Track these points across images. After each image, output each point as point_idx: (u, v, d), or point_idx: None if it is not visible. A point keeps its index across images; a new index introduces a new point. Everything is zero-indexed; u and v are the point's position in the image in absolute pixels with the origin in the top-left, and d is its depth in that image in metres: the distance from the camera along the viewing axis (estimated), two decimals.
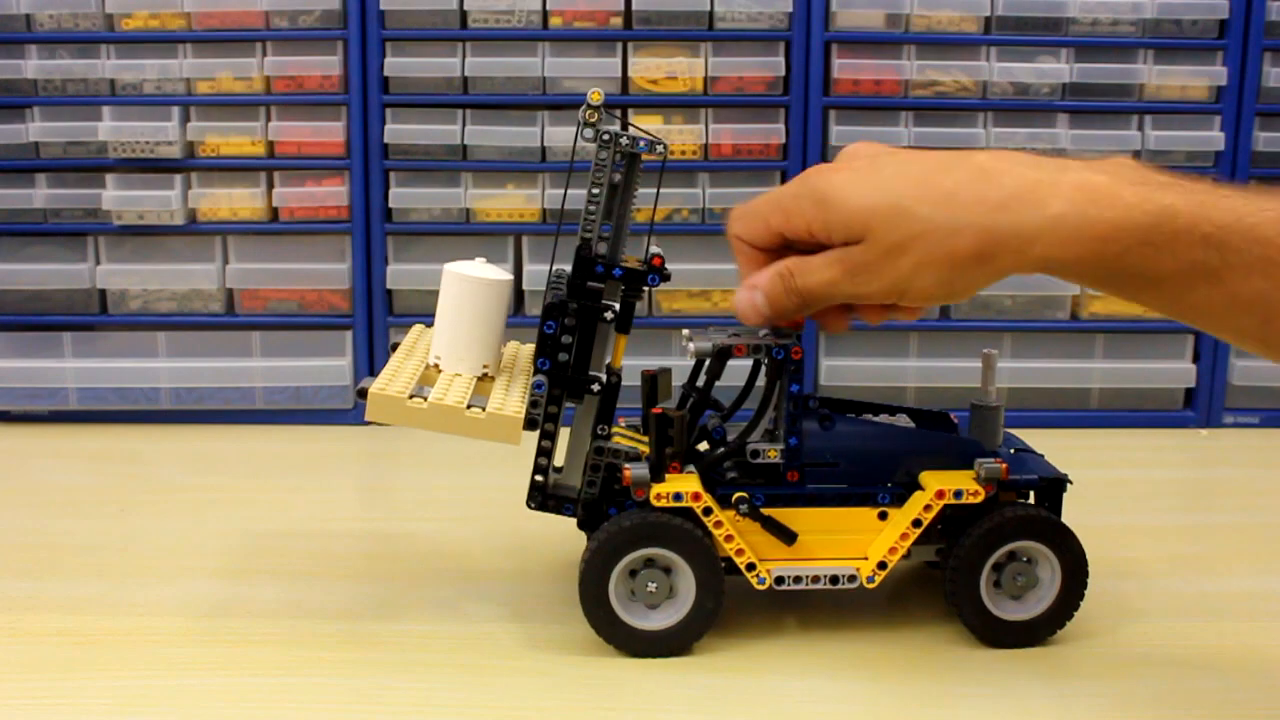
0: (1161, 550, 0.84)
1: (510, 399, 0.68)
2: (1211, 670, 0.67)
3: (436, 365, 0.70)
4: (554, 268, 0.72)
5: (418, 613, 0.74)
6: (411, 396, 0.65)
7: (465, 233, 1.16)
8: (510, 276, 0.71)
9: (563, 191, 1.14)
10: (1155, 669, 0.68)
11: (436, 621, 0.73)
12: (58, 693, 0.64)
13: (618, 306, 0.69)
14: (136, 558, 0.83)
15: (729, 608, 0.68)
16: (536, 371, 0.68)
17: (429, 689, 0.65)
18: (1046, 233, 0.57)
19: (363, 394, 0.66)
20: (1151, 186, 0.56)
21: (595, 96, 0.66)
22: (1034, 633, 0.70)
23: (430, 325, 0.75)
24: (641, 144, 0.68)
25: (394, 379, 0.67)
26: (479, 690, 0.65)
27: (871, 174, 0.61)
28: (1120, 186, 0.56)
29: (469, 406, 0.66)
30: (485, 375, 0.70)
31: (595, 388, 0.69)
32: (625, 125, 0.68)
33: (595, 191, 0.68)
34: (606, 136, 0.67)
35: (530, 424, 0.68)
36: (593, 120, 0.67)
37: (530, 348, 0.77)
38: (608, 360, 0.71)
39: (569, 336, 0.68)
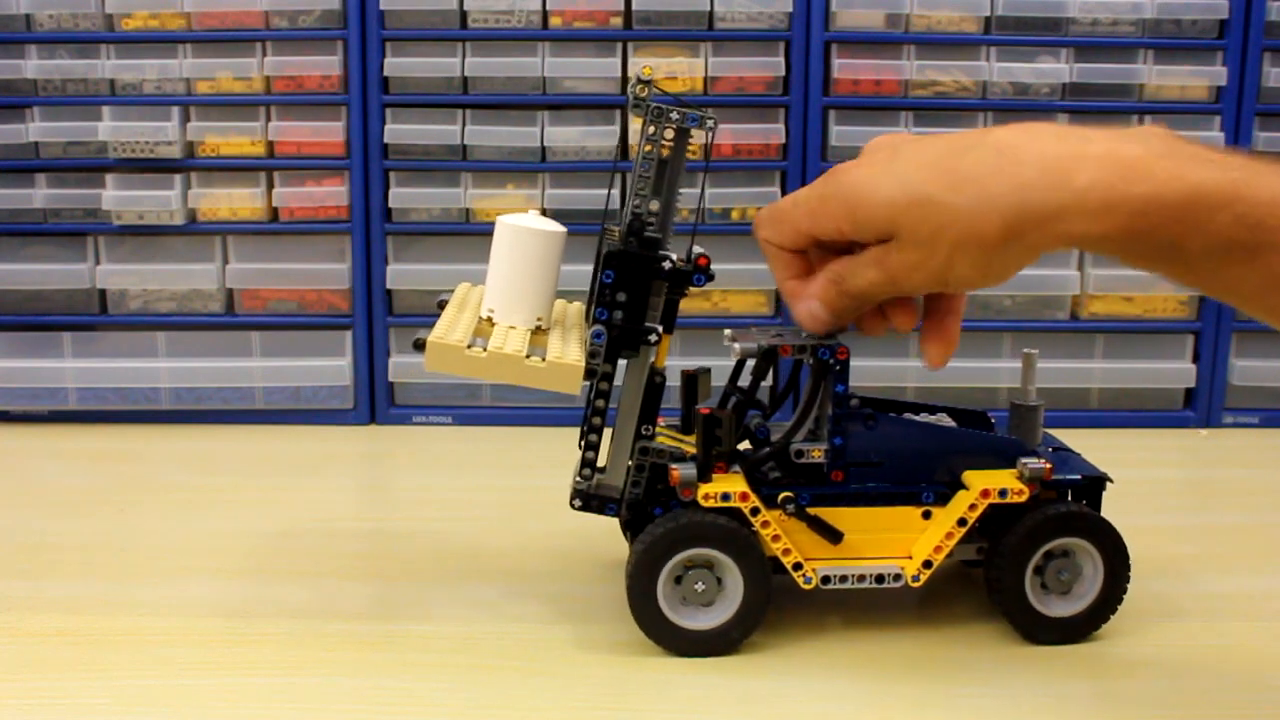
0: (1161, 550, 0.84)
1: (569, 349, 0.67)
2: (1211, 670, 0.67)
3: (490, 318, 0.69)
4: (605, 223, 0.72)
5: (418, 613, 0.74)
6: (469, 346, 0.65)
7: (465, 233, 1.16)
8: (564, 229, 0.70)
9: (564, 190, 1.15)
10: (1155, 669, 0.68)
11: (436, 621, 0.73)
12: (58, 693, 0.64)
13: (675, 257, 0.68)
14: (136, 558, 0.83)
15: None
16: (595, 322, 0.68)
17: (429, 689, 0.65)
18: (1073, 208, 0.55)
19: (420, 345, 0.65)
20: (1183, 160, 0.54)
21: (646, 71, 0.66)
22: (1077, 628, 0.70)
23: (474, 285, 0.74)
24: (691, 118, 0.67)
25: (451, 329, 0.67)
26: (479, 690, 0.65)
27: (892, 166, 0.61)
28: (1151, 159, 0.55)
29: (528, 356, 0.65)
30: (539, 328, 0.70)
31: (652, 339, 0.68)
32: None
33: (645, 167, 0.67)
34: (656, 111, 0.67)
35: (589, 374, 0.67)
36: (643, 95, 0.67)
37: (577, 305, 0.77)
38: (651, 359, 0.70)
39: (624, 292, 0.67)
